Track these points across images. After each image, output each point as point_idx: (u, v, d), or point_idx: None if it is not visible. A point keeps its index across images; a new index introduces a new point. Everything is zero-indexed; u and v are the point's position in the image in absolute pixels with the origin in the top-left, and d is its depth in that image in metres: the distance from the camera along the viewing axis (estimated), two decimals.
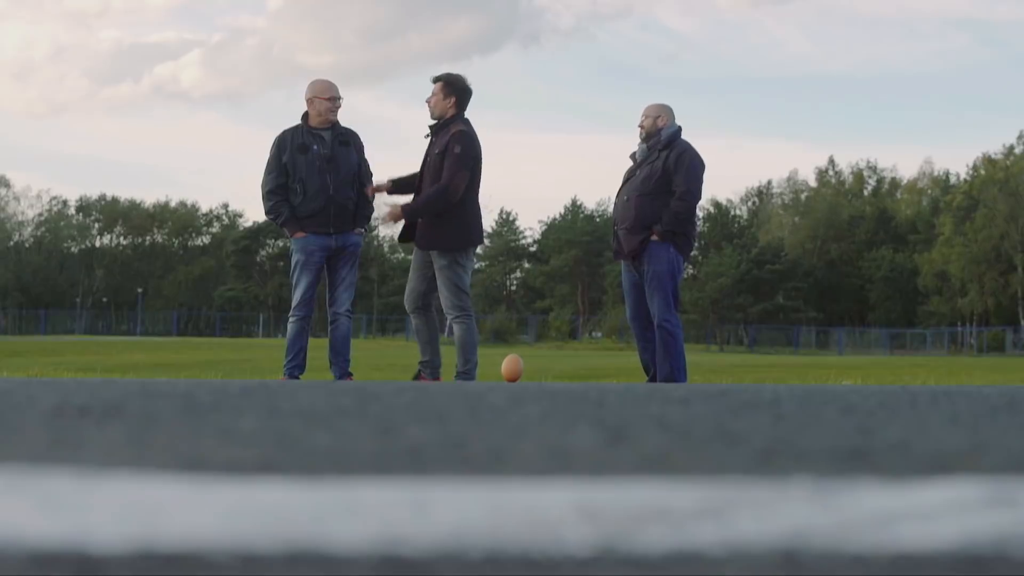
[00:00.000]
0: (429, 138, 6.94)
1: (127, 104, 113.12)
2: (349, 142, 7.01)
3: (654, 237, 6.86)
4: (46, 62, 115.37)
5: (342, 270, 6.99)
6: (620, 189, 7.14)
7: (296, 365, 6.86)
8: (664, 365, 6.91)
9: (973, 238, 62.08)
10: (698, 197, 7.02)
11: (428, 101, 6.94)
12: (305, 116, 6.98)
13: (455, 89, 6.92)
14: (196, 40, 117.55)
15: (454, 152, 6.76)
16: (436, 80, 6.97)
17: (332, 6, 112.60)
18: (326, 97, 6.93)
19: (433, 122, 6.94)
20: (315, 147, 6.85)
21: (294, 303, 6.95)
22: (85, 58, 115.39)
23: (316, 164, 6.84)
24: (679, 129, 7.09)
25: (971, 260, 62.07)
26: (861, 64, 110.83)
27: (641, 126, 7.09)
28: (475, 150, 6.87)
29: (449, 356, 7.00)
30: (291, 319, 6.96)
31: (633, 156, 7.19)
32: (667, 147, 6.96)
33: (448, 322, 7.02)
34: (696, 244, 7.42)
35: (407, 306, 7.04)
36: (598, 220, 74.69)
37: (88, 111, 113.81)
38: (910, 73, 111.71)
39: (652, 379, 7.03)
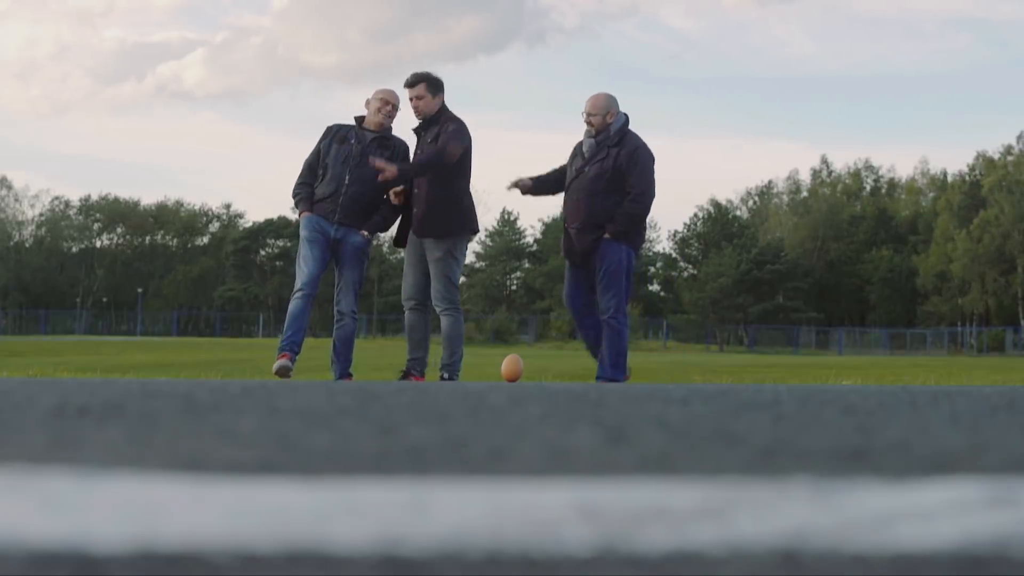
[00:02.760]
0: (417, 133, 7.01)
1: (130, 104, 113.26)
2: (389, 147, 7.01)
3: (607, 236, 6.76)
4: (49, 61, 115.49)
5: (344, 269, 7.01)
6: (569, 185, 6.95)
7: (294, 341, 6.81)
8: (604, 366, 6.85)
9: (977, 237, 62.03)
10: (653, 196, 6.90)
11: (416, 105, 6.93)
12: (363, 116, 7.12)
13: (439, 86, 6.99)
14: (200, 39, 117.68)
15: (448, 129, 6.82)
16: (415, 83, 6.96)
17: (337, 5, 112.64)
18: (379, 98, 7.06)
19: (416, 123, 7.02)
20: (352, 140, 6.97)
21: (297, 278, 6.97)
22: (88, 57, 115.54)
23: (343, 156, 6.94)
24: (626, 120, 6.96)
25: (973, 260, 62.03)
26: (862, 64, 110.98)
27: (590, 123, 6.91)
28: (469, 132, 6.97)
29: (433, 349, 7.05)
30: (295, 295, 6.93)
31: (579, 149, 6.99)
32: (618, 143, 6.82)
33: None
34: (646, 239, 7.40)
35: (407, 302, 7.04)
36: None
37: (91, 111, 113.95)
38: (911, 73, 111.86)
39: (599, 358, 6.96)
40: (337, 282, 7.04)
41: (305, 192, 7.00)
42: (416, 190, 6.86)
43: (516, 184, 7.11)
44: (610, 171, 6.76)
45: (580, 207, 6.85)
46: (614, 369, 6.85)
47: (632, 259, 6.93)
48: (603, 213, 6.77)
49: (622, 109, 7.03)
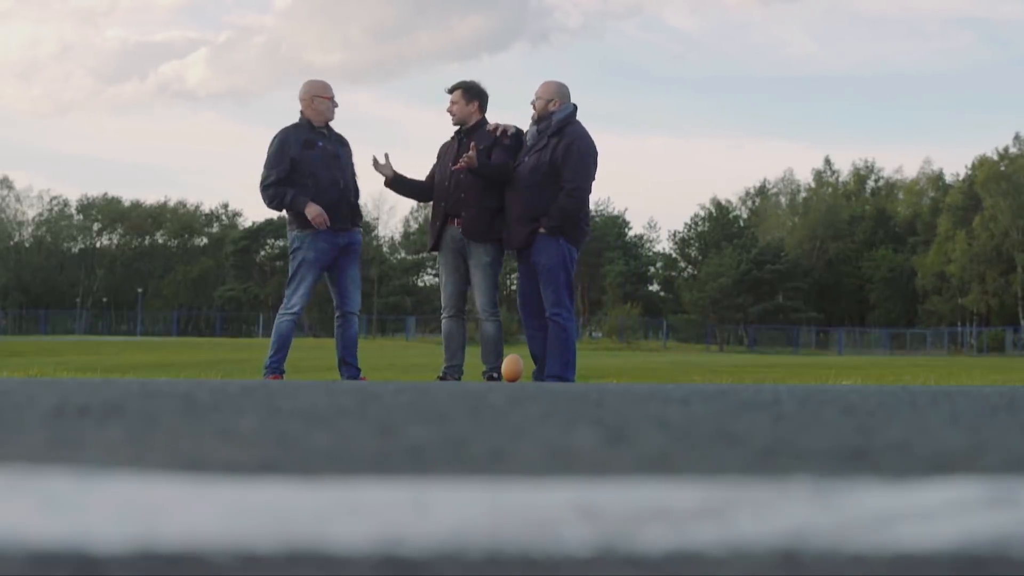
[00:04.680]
0: (459, 140, 6.96)
1: (132, 103, 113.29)
2: (345, 144, 7.09)
3: (542, 230, 6.61)
4: (51, 61, 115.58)
5: (350, 268, 6.97)
6: (513, 176, 6.77)
7: (282, 360, 6.81)
8: (553, 360, 6.66)
9: (977, 236, 62.05)
10: (588, 191, 6.73)
11: (450, 110, 6.98)
12: (300, 115, 6.97)
13: (475, 94, 7.02)
14: (202, 39, 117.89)
15: (504, 144, 6.83)
16: (454, 89, 7.02)
17: (341, 4, 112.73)
18: (327, 96, 6.95)
19: (456, 128, 7.03)
20: (320, 143, 6.87)
21: (295, 300, 6.81)
22: (91, 57, 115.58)
23: (324, 160, 6.85)
24: (573, 111, 6.77)
25: (972, 259, 62.04)
26: (864, 63, 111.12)
27: (532, 106, 6.80)
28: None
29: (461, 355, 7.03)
30: (288, 316, 6.81)
31: (526, 138, 6.88)
32: (557, 133, 6.64)
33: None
34: (588, 234, 7.05)
35: (449, 310, 6.97)
36: (598, 220, 74.70)
37: (92, 110, 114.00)
38: (913, 72, 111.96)
39: (542, 368, 6.78)
40: (341, 283, 6.94)
41: (293, 191, 6.73)
42: (463, 195, 6.84)
43: (382, 167, 7.08)
44: (547, 164, 6.59)
45: (516, 197, 6.70)
46: (564, 367, 6.64)
47: (572, 254, 6.74)
48: (539, 206, 6.60)
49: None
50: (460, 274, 6.98)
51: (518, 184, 6.70)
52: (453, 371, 6.96)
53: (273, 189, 6.78)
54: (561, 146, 6.60)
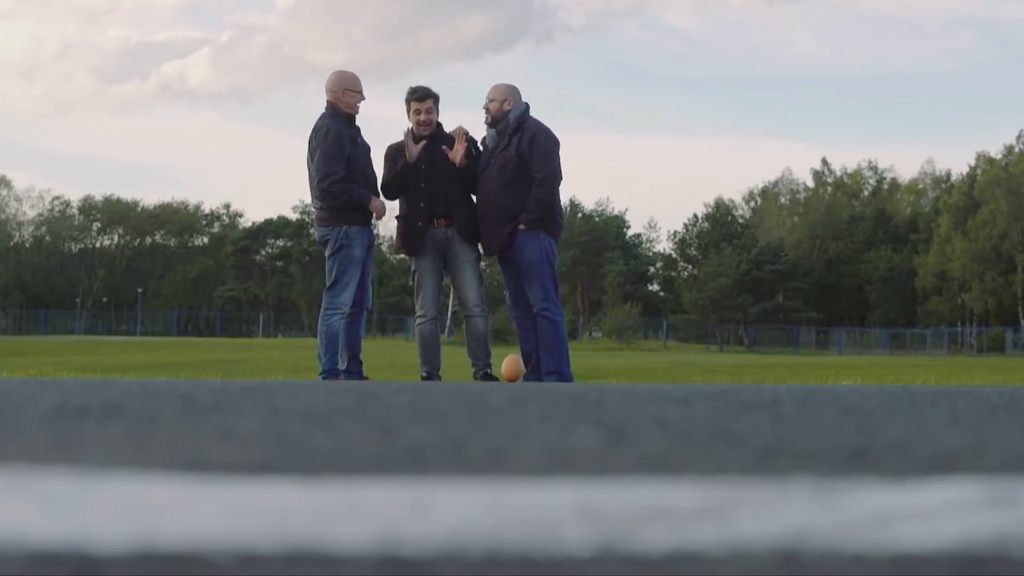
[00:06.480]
0: (422, 144, 6.83)
1: (133, 103, 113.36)
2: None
3: (522, 227, 6.62)
4: (53, 60, 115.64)
5: (368, 267, 6.93)
6: (479, 180, 6.79)
7: (335, 359, 6.65)
8: (548, 356, 6.66)
9: (975, 236, 62.05)
10: (559, 179, 6.78)
11: (428, 120, 6.83)
12: (332, 108, 6.76)
13: (438, 102, 7.00)
14: (205, 38, 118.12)
15: (472, 154, 6.83)
16: (426, 97, 6.89)
17: (344, 3, 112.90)
18: (357, 90, 6.85)
19: (422, 133, 6.92)
20: (358, 139, 6.80)
21: (344, 298, 6.66)
22: (92, 56, 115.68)
23: (366, 155, 6.81)
24: (527, 108, 6.82)
25: (972, 259, 62.04)
26: (864, 63, 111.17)
27: (486, 110, 6.81)
28: None
29: (453, 354, 7.01)
30: (338, 314, 6.63)
31: (484, 143, 6.91)
32: (517, 130, 6.68)
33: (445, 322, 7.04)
34: (563, 227, 7.02)
35: (430, 313, 6.89)
36: (597, 220, 74.69)
37: (94, 110, 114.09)
38: (913, 72, 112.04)
39: (533, 369, 6.79)
40: (362, 280, 6.85)
41: (357, 189, 6.61)
42: (452, 197, 6.81)
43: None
44: (514, 161, 6.63)
45: (490, 201, 6.72)
46: (559, 362, 6.66)
47: (553, 248, 6.76)
48: (513, 205, 6.63)
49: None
50: (439, 276, 6.96)
51: (488, 188, 6.72)
52: (435, 371, 6.92)
53: (339, 186, 6.57)
54: (525, 139, 6.66)
